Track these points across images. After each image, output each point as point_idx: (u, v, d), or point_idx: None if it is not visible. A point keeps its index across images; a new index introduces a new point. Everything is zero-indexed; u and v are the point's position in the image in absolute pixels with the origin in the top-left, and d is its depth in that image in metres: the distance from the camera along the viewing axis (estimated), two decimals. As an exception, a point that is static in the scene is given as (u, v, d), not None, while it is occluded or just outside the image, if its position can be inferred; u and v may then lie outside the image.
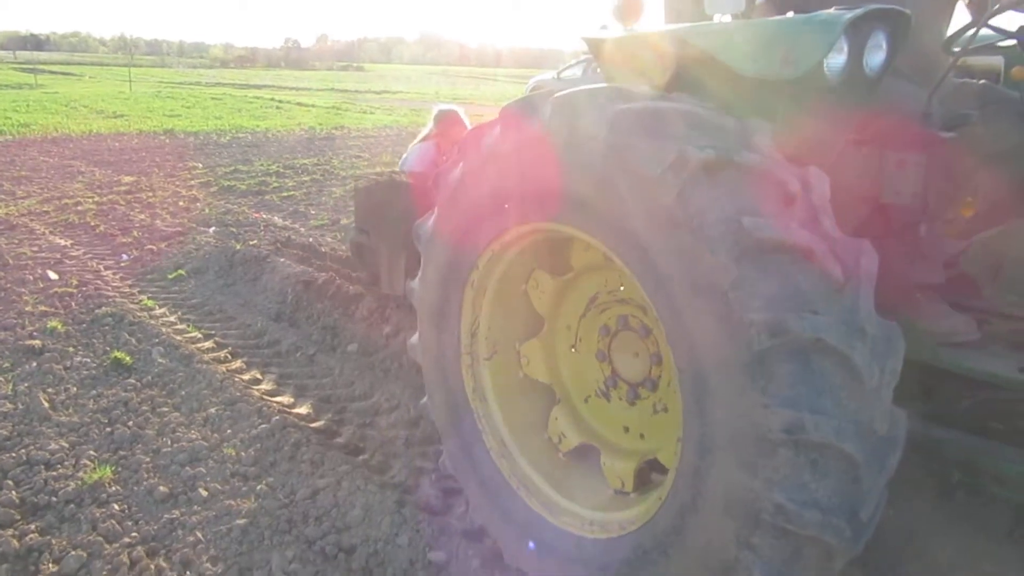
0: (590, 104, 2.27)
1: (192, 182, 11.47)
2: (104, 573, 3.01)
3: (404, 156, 5.78)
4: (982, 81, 3.11)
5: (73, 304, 6.04)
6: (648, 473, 2.75)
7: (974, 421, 2.61)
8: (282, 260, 6.88)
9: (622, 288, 2.67)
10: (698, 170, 1.97)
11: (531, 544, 2.81)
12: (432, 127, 5.68)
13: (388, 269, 4.81)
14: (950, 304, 2.72)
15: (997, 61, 3.50)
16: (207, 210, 9.52)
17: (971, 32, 2.65)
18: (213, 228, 8.54)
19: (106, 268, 7.18)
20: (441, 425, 3.14)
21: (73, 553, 3.10)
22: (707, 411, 2.02)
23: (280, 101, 27.91)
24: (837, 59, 2.35)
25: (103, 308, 5.92)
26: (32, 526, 3.29)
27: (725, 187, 1.97)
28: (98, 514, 3.38)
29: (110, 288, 6.53)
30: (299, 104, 26.93)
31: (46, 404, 4.35)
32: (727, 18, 3.12)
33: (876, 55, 2.44)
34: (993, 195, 2.85)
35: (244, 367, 5.06)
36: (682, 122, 2.12)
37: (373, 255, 4.99)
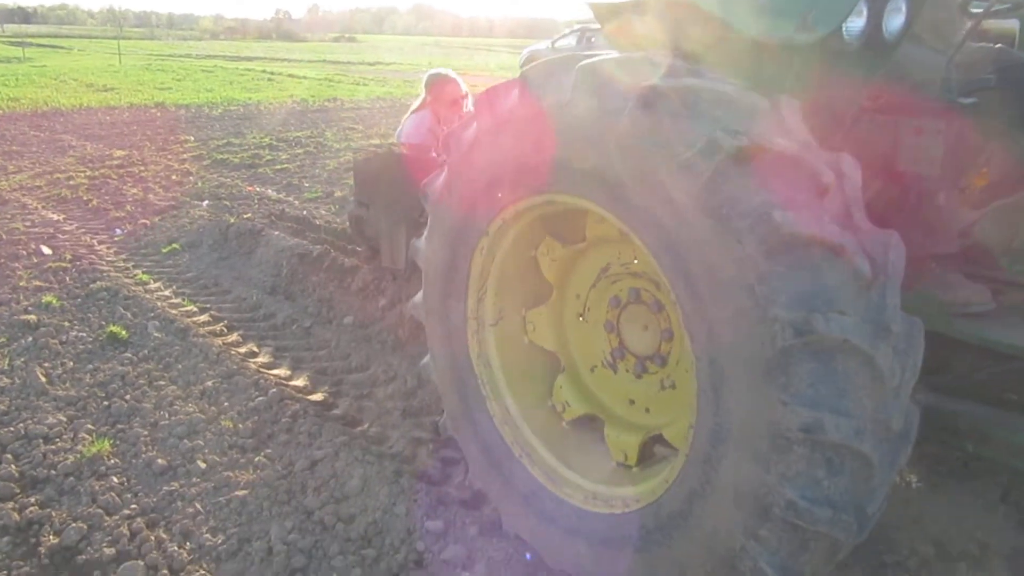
0: (617, 75, 2.17)
1: (184, 155, 11.39)
2: (105, 544, 3.03)
3: (399, 127, 5.70)
4: (998, 45, 3.02)
5: (67, 279, 6.02)
6: (651, 447, 2.74)
7: (989, 392, 2.58)
8: (276, 233, 6.86)
9: (635, 261, 2.62)
10: (729, 157, 1.90)
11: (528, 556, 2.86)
12: (425, 94, 5.55)
13: (388, 242, 4.76)
14: (965, 274, 2.69)
15: (1012, 25, 3.42)
16: (200, 184, 9.47)
17: None
18: (206, 202, 8.49)
19: (100, 242, 7.15)
20: (443, 387, 3.11)
21: (73, 525, 3.12)
22: (723, 401, 2.00)
23: (272, 73, 27.65)
24: (856, 22, 2.27)
25: (98, 282, 5.91)
26: (32, 499, 3.31)
27: (756, 176, 1.90)
28: (97, 487, 3.40)
29: (104, 263, 6.52)
30: (291, 76, 26.69)
31: (43, 378, 4.35)
32: None
33: (895, 19, 2.36)
34: (1009, 163, 2.78)
35: (240, 340, 5.06)
36: (713, 102, 2.03)
37: (373, 228, 4.95)
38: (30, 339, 4.86)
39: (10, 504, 3.26)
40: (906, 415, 1.98)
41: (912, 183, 2.60)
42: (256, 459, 3.63)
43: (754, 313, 1.87)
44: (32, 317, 5.18)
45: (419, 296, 3.11)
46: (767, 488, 1.92)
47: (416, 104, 5.61)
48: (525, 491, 2.81)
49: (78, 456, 3.61)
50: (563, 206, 2.50)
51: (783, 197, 1.88)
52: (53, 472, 3.50)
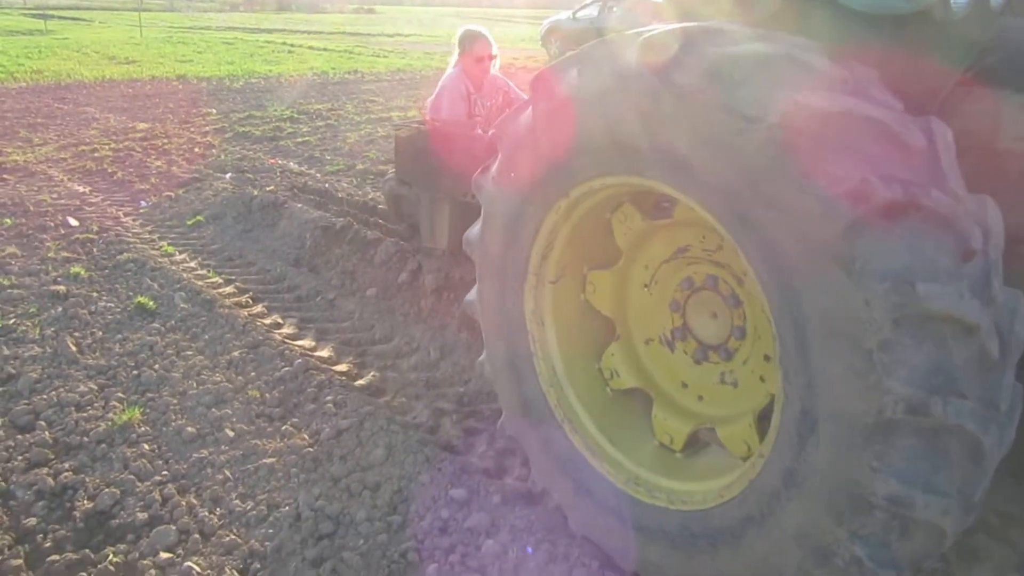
0: (687, 47, 2.01)
1: (207, 128, 11.44)
2: (138, 509, 3.11)
3: (431, 99, 5.51)
4: None
5: (95, 250, 6.10)
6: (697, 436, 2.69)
7: None
8: (299, 206, 6.90)
9: (720, 250, 2.48)
10: (874, 209, 1.72)
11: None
12: (457, 50, 5.34)
13: (430, 222, 4.66)
14: None
15: None
16: (223, 156, 9.51)
17: None
18: (229, 174, 8.54)
19: (125, 214, 7.22)
20: (500, 383, 3.02)
21: (107, 490, 3.20)
22: (807, 449, 1.93)
23: (292, 45, 27.59)
24: None
25: (124, 254, 5.98)
26: (66, 465, 3.39)
27: (899, 236, 1.72)
28: (129, 453, 3.48)
29: (130, 234, 6.59)
30: (311, 48, 26.62)
31: (73, 348, 4.43)
32: None
33: None
34: None
35: (265, 311, 5.12)
36: (802, 77, 1.87)
37: (412, 207, 4.86)
38: (60, 309, 4.94)
39: (44, 470, 3.35)
40: (1012, 393, 1.86)
41: (1014, 162, 2.40)
42: (283, 428, 3.69)
43: (866, 378, 1.76)
44: (61, 288, 5.26)
45: (473, 292, 3.02)
46: (862, 483, 1.84)
47: (452, 61, 5.45)
48: (563, 457, 2.78)
49: (109, 424, 3.69)
50: (641, 187, 2.36)
51: (927, 263, 1.72)
52: (86, 439, 3.58)
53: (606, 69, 2.21)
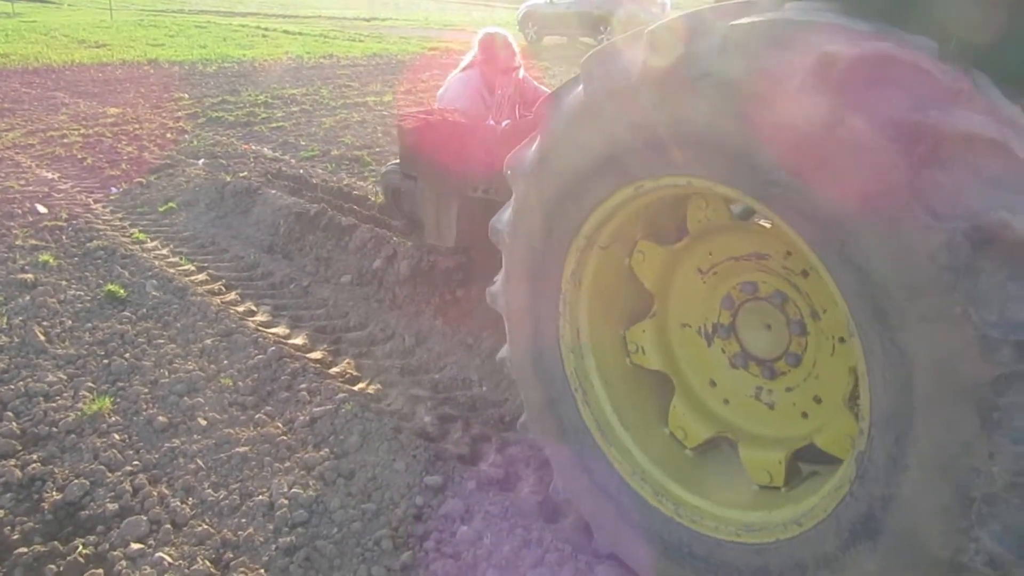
0: (778, 40, 1.75)
1: (179, 113, 11.28)
2: (108, 500, 3.07)
3: (442, 90, 5.25)
4: None
5: (64, 238, 6.01)
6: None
7: None
8: (273, 192, 6.83)
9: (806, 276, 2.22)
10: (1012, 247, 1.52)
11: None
12: (476, 52, 5.06)
13: (435, 217, 4.43)
14: None
15: None
16: (195, 142, 9.39)
17: None
18: (202, 160, 8.43)
19: (95, 201, 7.12)
20: (523, 379, 2.82)
21: (76, 481, 3.16)
22: (912, 430, 1.73)
23: (266, 29, 27.21)
24: None
25: (94, 241, 5.89)
26: (34, 456, 3.35)
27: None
28: (99, 444, 3.44)
29: (100, 221, 6.49)
30: (286, 32, 26.27)
31: (42, 337, 4.37)
32: None
33: None
34: None
35: (238, 299, 5.07)
36: (918, 80, 1.66)
37: (413, 202, 4.64)
38: (28, 298, 4.86)
39: (12, 461, 3.30)
40: None
41: None
42: (256, 416, 3.66)
43: (981, 438, 1.59)
44: (29, 276, 5.17)
45: (498, 281, 2.79)
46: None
47: (465, 61, 5.18)
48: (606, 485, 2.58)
49: (79, 413, 3.64)
50: (687, 191, 2.17)
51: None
52: (54, 429, 3.53)
53: (681, 54, 1.92)
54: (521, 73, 5.06)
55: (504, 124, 4.23)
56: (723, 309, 2.44)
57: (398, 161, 4.86)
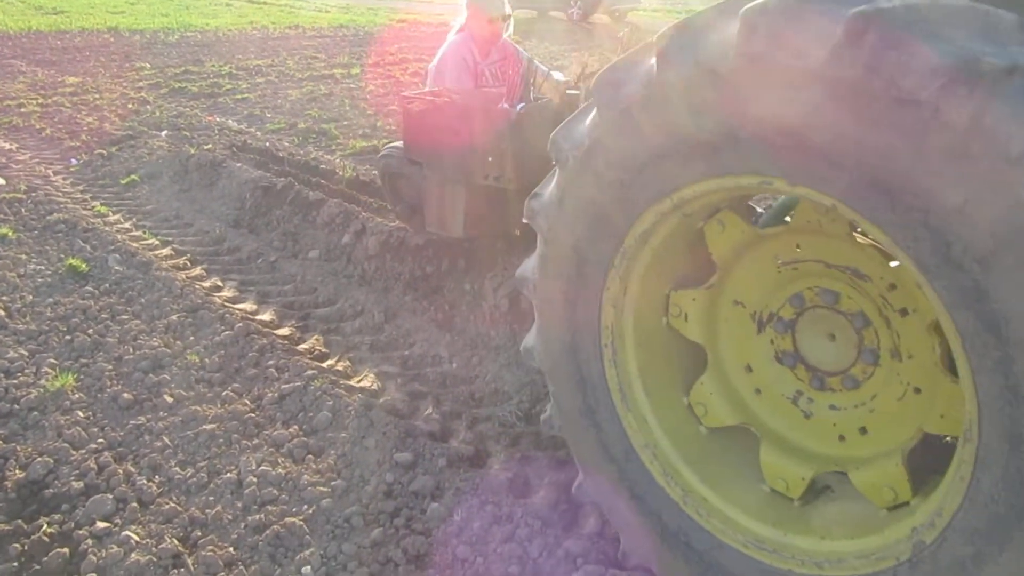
0: (922, 33, 1.47)
1: (140, 83, 11.03)
2: (72, 478, 3.03)
3: (432, 64, 4.83)
4: None
5: (23, 210, 5.87)
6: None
7: None
8: (239, 165, 6.72)
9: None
10: None
11: None
12: (465, 10, 4.69)
13: (439, 205, 4.26)
14: None
15: None
16: (158, 113, 9.19)
17: None
18: (165, 132, 8.27)
19: (55, 173, 6.96)
20: (552, 371, 2.56)
21: (40, 459, 3.11)
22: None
23: (230, -2, 26.67)
24: None
25: (55, 214, 5.77)
26: (-4, 434, 3.28)
27: None
28: (63, 421, 3.38)
29: (60, 194, 6.35)
30: (250, 1, 25.75)
31: (2, 312, 4.27)
32: None
33: None
34: None
35: (204, 274, 5.00)
36: None
37: (413, 188, 4.47)
38: (-14, 272, 4.75)
39: (-27, 439, 3.24)
40: None
41: None
42: (223, 393, 3.63)
43: None
44: (-13, 250, 5.05)
45: (531, 265, 2.49)
46: None
47: (456, 24, 4.87)
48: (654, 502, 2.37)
49: (41, 391, 3.57)
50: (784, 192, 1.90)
51: None
52: (16, 407, 3.47)
53: (788, 36, 1.65)
54: (511, 26, 4.83)
55: (519, 108, 4.07)
56: (789, 304, 2.22)
57: (396, 144, 4.73)
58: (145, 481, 3.04)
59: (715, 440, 2.41)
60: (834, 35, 1.53)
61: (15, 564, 2.66)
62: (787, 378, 2.27)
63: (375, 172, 6.51)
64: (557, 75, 4.53)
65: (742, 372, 2.37)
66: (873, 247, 1.95)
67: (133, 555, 2.66)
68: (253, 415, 3.47)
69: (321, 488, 3.02)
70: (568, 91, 4.12)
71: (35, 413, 3.43)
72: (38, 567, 2.65)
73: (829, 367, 2.15)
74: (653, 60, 1.94)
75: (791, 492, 2.20)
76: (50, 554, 2.67)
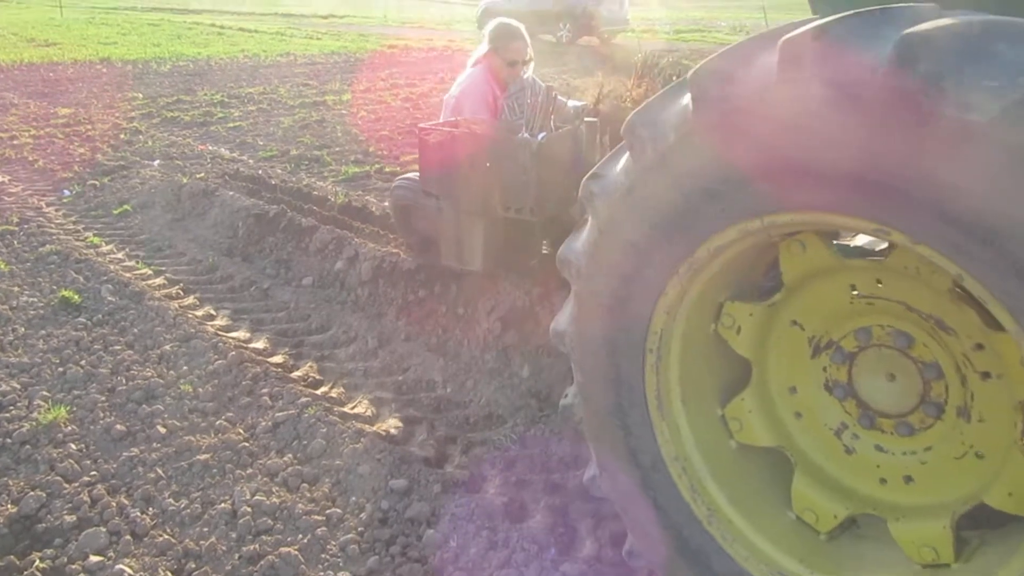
0: (989, 50, 1.36)
1: (133, 113, 11.07)
2: (65, 512, 3.01)
3: (449, 95, 4.79)
4: None
5: (15, 242, 5.87)
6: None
7: None
8: (231, 193, 6.73)
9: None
10: None
11: None
12: (486, 44, 4.68)
13: (459, 240, 4.17)
14: None
15: None
16: (150, 143, 9.22)
17: None
18: (157, 161, 8.29)
19: (48, 204, 6.96)
20: (593, 430, 2.42)
21: (32, 493, 3.09)
22: None
23: (221, 27, 26.83)
24: None
25: (47, 246, 5.77)
26: (-13, 468, 3.26)
27: None
28: (55, 454, 3.36)
29: (53, 225, 6.36)
30: (241, 30, 25.94)
31: (-7, 345, 4.26)
32: None
33: None
34: None
35: (197, 303, 5.00)
36: None
37: (426, 220, 4.40)
38: (-22, 305, 4.74)
39: (-35, 474, 3.22)
40: None
41: None
42: (217, 423, 3.61)
43: None
44: (-21, 282, 5.05)
45: (577, 249, 2.28)
46: None
47: (475, 55, 4.84)
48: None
49: (34, 424, 3.56)
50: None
51: None
52: (8, 440, 3.45)
53: (869, 53, 1.48)
54: (531, 70, 4.74)
55: (540, 137, 3.96)
56: (854, 336, 2.06)
57: (408, 176, 4.68)
58: (139, 513, 3.02)
59: (746, 458, 2.29)
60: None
61: (7, 600, 2.64)
62: (834, 409, 2.14)
63: (368, 198, 6.56)
64: (573, 103, 4.50)
65: (786, 393, 2.24)
66: (973, 309, 1.75)
67: (127, 589, 2.64)
68: (247, 444, 3.45)
69: (316, 517, 3.00)
70: (587, 119, 4.06)
71: (27, 447, 3.42)
72: (31, 603, 2.62)
73: (883, 408, 2.03)
74: (774, 63, 1.69)
75: (819, 526, 2.10)
76: (43, 589, 2.65)
